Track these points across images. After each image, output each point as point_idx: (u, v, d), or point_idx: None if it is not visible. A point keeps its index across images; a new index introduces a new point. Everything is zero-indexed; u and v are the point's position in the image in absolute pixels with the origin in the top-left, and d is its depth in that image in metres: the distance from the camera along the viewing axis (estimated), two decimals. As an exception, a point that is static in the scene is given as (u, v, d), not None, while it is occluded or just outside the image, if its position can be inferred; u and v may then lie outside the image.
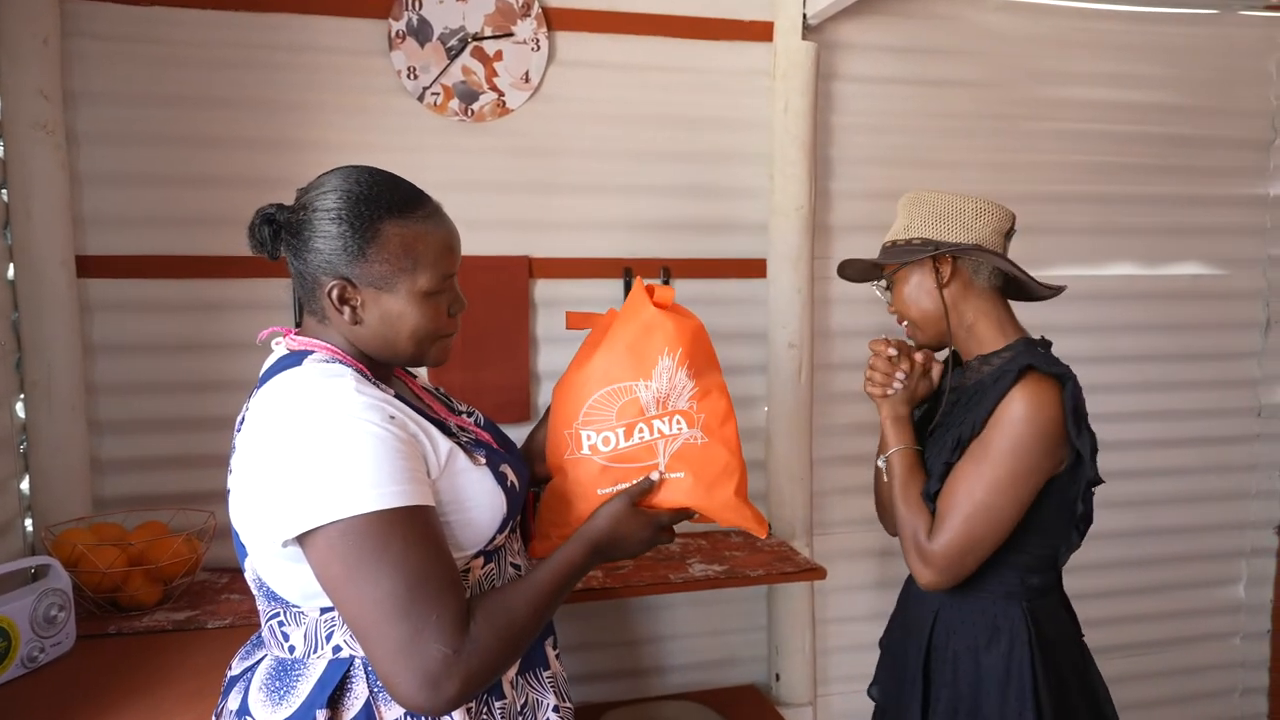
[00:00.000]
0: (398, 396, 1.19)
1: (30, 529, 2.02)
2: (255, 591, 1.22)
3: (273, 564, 1.15)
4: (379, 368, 1.25)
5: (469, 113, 2.23)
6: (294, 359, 1.18)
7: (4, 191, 1.97)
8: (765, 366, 2.47)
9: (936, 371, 1.63)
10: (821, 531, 2.54)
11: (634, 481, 1.35)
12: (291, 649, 1.18)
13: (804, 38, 2.34)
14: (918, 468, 1.55)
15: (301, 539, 1.08)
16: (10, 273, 1.99)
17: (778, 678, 2.51)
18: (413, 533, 1.06)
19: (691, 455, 1.37)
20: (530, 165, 2.30)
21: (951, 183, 1.73)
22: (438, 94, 2.20)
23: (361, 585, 1.04)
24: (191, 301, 2.14)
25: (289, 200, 1.24)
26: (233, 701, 1.21)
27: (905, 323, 1.62)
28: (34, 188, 1.96)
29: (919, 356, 1.61)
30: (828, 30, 2.42)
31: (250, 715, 1.16)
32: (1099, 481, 1.49)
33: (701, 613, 2.51)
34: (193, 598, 1.96)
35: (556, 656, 1.35)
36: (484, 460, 1.22)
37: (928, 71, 2.52)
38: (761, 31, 2.37)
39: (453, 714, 1.13)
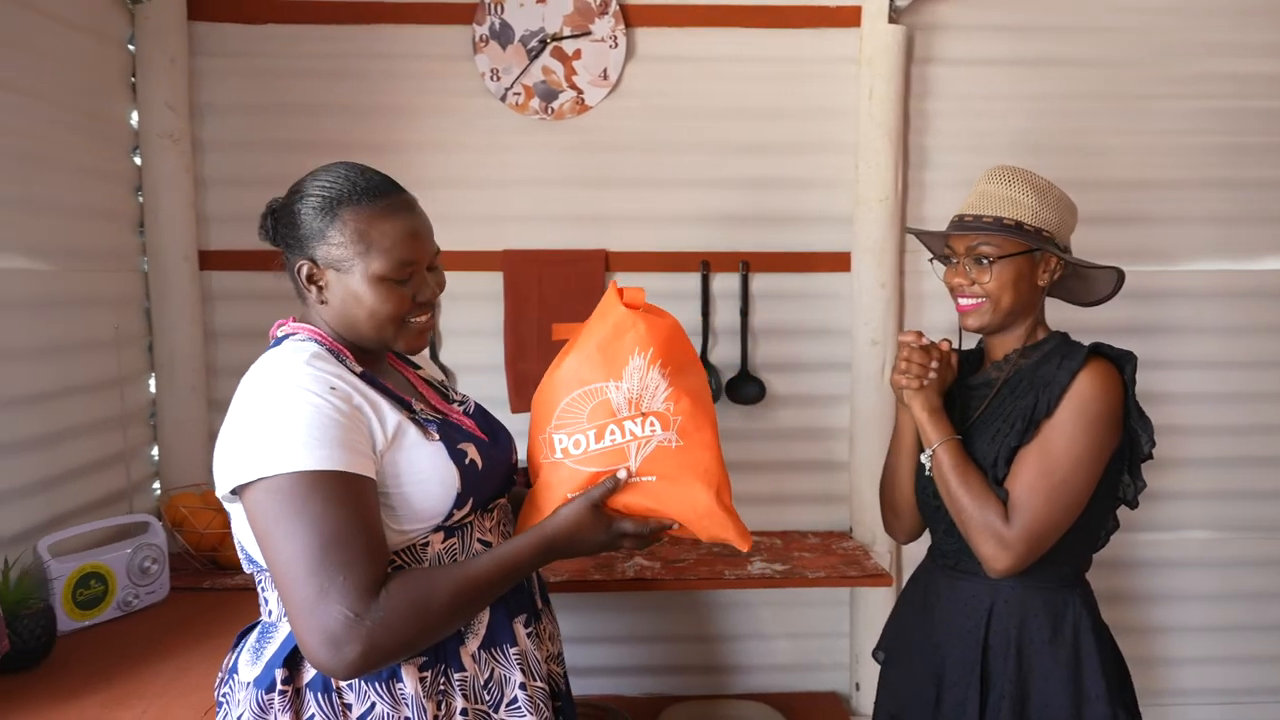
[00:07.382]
0: (369, 378, 1.24)
1: (157, 491, 2.29)
2: (240, 556, 1.29)
3: (244, 528, 1.21)
4: (364, 354, 1.30)
5: (549, 111, 2.30)
6: (279, 341, 1.28)
7: (140, 194, 2.24)
8: (849, 364, 2.39)
9: (954, 360, 1.58)
10: (912, 538, 2.42)
11: (600, 482, 1.30)
12: (270, 612, 1.25)
13: (891, 21, 2.25)
14: (968, 457, 1.51)
15: (239, 495, 1.15)
16: (144, 266, 2.26)
17: (858, 687, 2.41)
18: (335, 496, 1.10)
19: (665, 459, 1.30)
20: (609, 160, 2.34)
21: (1051, 169, 1.60)
22: (519, 94, 2.29)
23: (279, 541, 1.09)
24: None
25: None
26: (231, 659, 1.30)
27: (971, 299, 1.52)
28: (161, 190, 2.21)
29: (944, 345, 1.56)
30: (922, 13, 2.30)
31: (236, 673, 1.25)
32: (1149, 457, 1.50)
33: (778, 614, 2.47)
34: (282, 561, 2.13)
35: (529, 634, 1.34)
36: (438, 436, 1.25)
37: (1032, 51, 2.35)
38: (848, 17, 2.30)
39: (404, 681, 1.17)
